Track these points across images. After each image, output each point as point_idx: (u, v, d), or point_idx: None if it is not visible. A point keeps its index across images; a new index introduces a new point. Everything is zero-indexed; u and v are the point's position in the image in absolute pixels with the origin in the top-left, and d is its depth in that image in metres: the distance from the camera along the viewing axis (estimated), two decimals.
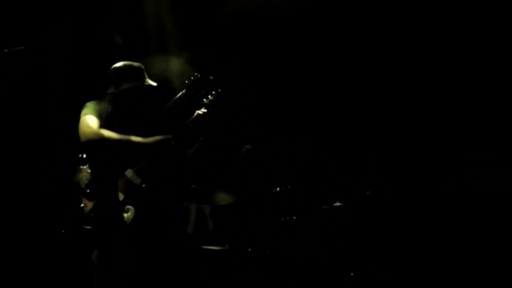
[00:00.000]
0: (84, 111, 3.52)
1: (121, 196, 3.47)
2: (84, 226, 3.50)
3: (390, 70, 5.46)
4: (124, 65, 3.63)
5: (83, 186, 3.50)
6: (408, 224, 5.17)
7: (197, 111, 3.68)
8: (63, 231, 3.72)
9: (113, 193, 3.46)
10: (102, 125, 3.49)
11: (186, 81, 3.76)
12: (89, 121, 3.45)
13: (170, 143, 3.55)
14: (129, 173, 3.51)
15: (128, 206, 3.45)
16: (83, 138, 3.41)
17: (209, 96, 3.75)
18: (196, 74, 3.77)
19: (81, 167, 3.57)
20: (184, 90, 3.79)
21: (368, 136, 5.54)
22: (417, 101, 5.39)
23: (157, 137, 3.53)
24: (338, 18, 5.47)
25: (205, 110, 3.69)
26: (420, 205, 5.25)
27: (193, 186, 4.49)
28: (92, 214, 3.48)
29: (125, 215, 3.45)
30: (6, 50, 3.55)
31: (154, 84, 3.68)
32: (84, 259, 3.64)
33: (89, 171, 3.53)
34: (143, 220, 3.51)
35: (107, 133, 3.43)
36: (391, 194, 5.27)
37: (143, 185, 3.52)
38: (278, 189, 4.64)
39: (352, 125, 5.58)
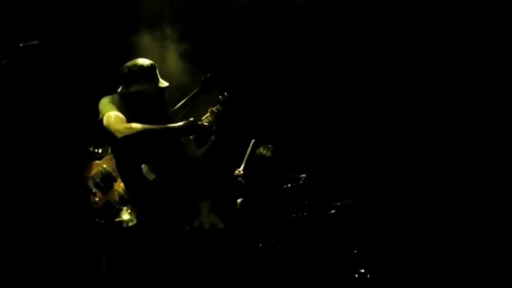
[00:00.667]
0: (104, 108, 3.47)
1: None
2: (97, 220, 3.51)
3: (399, 69, 5.47)
4: (135, 65, 3.52)
5: (98, 180, 3.50)
6: (417, 222, 5.18)
7: (212, 108, 3.63)
8: (76, 226, 3.72)
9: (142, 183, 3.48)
10: None
11: (202, 78, 3.72)
12: (116, 117, 3.40)
13: (199, 124, 3.52)
14: (143, 168, 3.51)
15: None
16: (118, 135, 3.34)
17: (225, 93, 3.71)
18: (209, 72, 3.73)
19: (96, 161, 3.57)
20: (199, 87, 3.77)
21: (376, 134, 5.54)
22: (422, 100, 5.40)
23: (187, 121, 3.50)
24: (339, 19, 5.48)
25: (220, 108, 3.65)
26: (428, 204, 5.26)
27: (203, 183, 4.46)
28: (105, 209, 3.50)
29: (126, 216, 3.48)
30: (21, 44, 3.55)
31: (166, 84, 3.60)
32: (96, 253, 3.64)
33: (104, 166, 3.54)
34: (155, 216, 3.53)
35: (139, 125, 3.39)
36: (400, 192, 5.28)
37: (157, 181, 3.52)
38: (289, 185, 4.63)
39: (362, 123, 5.58)
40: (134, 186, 3.49)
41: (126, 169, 3.51)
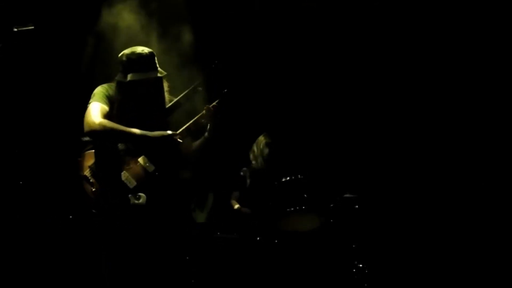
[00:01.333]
0: (94, 97, 3.41)
1: (133, 183, 3.41)
2: (93, 211, 3.42)
3: (399, 67, 5.44)
4: (133, 53, 3.41)
5: (95, 170, 3.40)
6: (416, 218, 5.18)
7: (207, 106, 3.53)
8: (71, 217, 3.64)
9: (118, 180, 3.38)
10: (114, 112, 3.40)
11: (213, 64, 3.61)
12: (95, 109, 3.34)
13: (173, 139, 3.41)
14: (143, 160, 3.43)
15: (140, 194, 3.38)
16: (86, 128, 3.31)
17: (224, 90, 3.60)
18: (216, 61, 3.62)
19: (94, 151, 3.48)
20: (198, 82, 3.66)
21: (376, 130, 5.52)
22: (421, 99, 5.38)
23: (162, 132, 3.40)
24: (339, 18, 5.43)
25: (216, 105, 3.53)
26: (427, 200, 5.25)
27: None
28: (102, 199, 3.41)
29: (136, 202, 3.38)
30: (15, 29, 3.45)
31: (164, 73, 3.50)
32: (93, 245, 3.57)
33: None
34: (155, 208, 3.44)
35: (109, 124, 3.32)
36: (400, 187, 5.27)
37: (157, 173, 3.44)
38: (288, 178, 4.58)
39: (362, 119, 5.55)
40: (109, 188, 3.39)
41: (103, 170, 3.40)
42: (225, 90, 3.58)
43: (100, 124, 3.29)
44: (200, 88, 3.64)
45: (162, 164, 3.47)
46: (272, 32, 5.45)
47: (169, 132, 3.41)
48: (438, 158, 5.29)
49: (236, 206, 4.87)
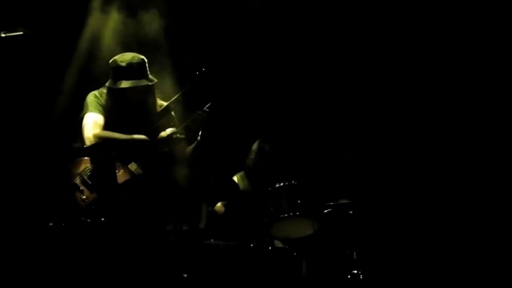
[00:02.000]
0: (88, 106, 3.41)
1: None
2: (84, 219, 3.39)
3: (397, 69, 5.42)
4: (123, 61, 3.39)
5: (85, 177, 3.38)
6: (411, 223, 5.16)
7: (197, 112, 3.49)
8: (63, 224, 3.60)
9: (114, 187, 3.37)
10: (106, 119, 3.41)
11: (197, 72, 3.58)
12: (90, 122, 3.37)
13: (175, 138, 3.41)
14: (132, 166, 3.42)
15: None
16: (87, 142, 3.35)
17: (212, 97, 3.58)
18: (202, 69, 3.57)
19: (84, 158, 3.44)
20: (192, 83, 3.61)
21: (373, 134, 5.49)
22: (419, 100, 5.36)
23: (162, 135, 3.42)
24: (339, 18, 5.41)
25: (206, 110, 3.49)
26: (423, 204, 5.23)
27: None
28: (93, 207, 3.38)
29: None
30: (3, 35, 3.39)
31: (155, 81, 3.48)
32: (93, 245, 3.53)
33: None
34: (145, 214, 3.44)
35: (107, 134, 3.37)
36: (395, 192, 5.25)
37: (146, 178, 3.44)
38: (281, 184, 4.55)
39: (358, 122, 5.53)
40: (106, 192, 3.38)
41: (100, 174, 3.39)
42: (213, 90, 3.53)
43: (100, 136, 3.33)
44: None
45: (152, 170, 3.46)
46: (269, 33, 5.42)
47: (169, 130, 3.40)
48: (433, 163, 5.26)
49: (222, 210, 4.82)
